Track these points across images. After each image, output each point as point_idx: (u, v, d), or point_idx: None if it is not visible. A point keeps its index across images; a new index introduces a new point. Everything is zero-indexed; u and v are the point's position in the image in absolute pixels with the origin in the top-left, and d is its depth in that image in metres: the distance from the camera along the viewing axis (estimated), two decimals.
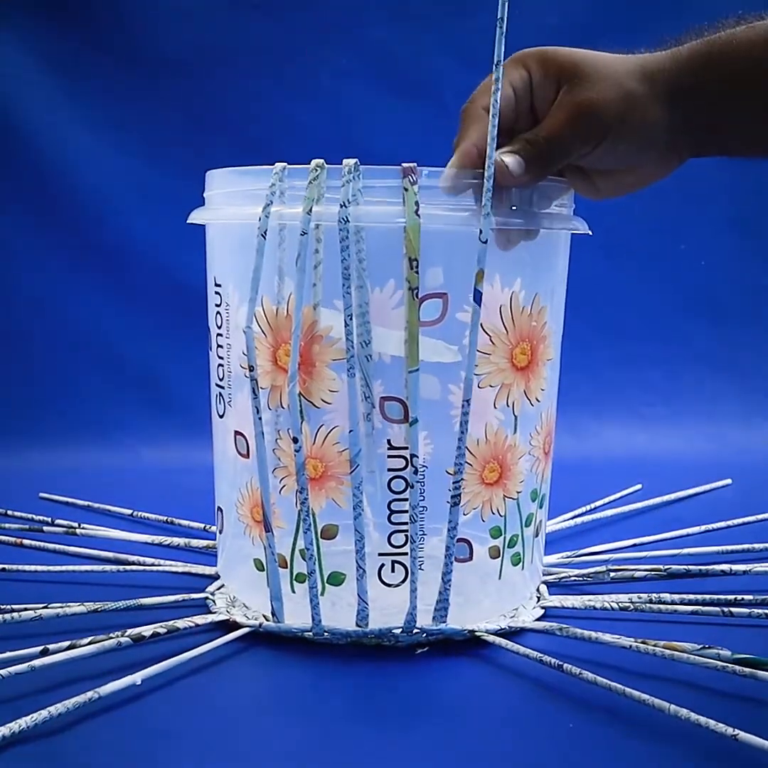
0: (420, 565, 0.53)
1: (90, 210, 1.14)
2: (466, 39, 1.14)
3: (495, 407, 0.54)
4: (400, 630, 0.54)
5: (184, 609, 0.59)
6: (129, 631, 0.53)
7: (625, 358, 1.24)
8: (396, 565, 0.54)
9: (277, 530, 0.55)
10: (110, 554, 0.71)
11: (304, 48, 1.16)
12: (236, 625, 0.56)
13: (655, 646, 0.51)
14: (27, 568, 0.67)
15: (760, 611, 0.57)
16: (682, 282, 1.25)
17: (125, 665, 0.50)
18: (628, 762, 0.43)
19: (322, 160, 0.51)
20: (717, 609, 0.58)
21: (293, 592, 0.56)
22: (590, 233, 0.58)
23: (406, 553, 0.53)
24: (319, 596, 0.54)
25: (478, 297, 0.50)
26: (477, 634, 0.55)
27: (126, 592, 0.60)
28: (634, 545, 0.73)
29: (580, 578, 0.65)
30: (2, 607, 0.57)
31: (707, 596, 0.60)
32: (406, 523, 0.53)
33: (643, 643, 0.51)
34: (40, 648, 0.51)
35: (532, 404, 0.56)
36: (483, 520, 0.56)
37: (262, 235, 0.51)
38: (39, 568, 0.67)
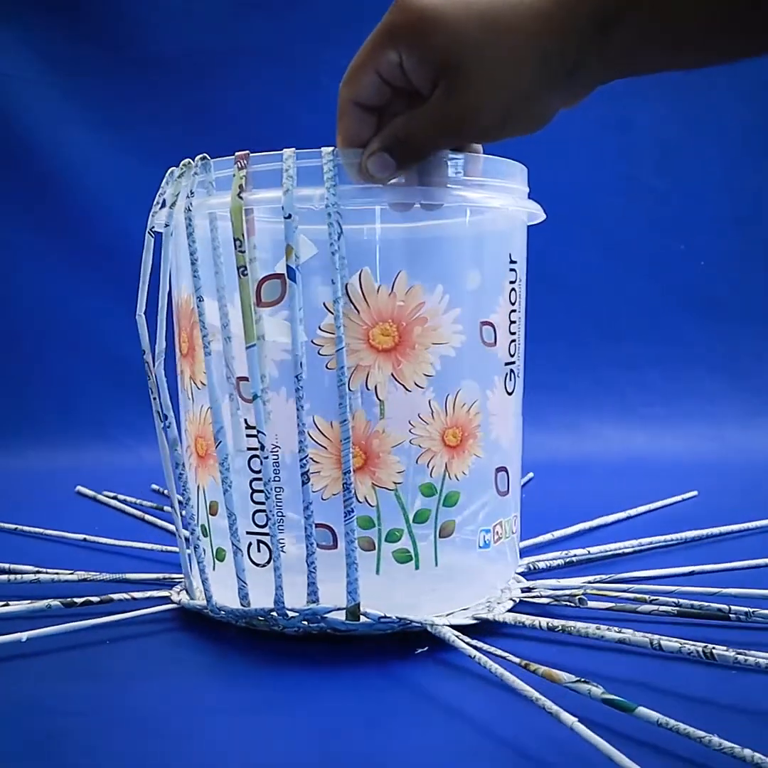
0: (281, 546, 0.53)
1: (90, 210, 1.15)
2: None
3: (350, 389, 0.52)
4: (275, 612, 0.52)
5: (164, 585, 0.62)
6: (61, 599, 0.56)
7: (624, 358, 1.24)
8: (261, 544, 0.54)
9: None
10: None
11: (305, 48, 1.16)
12: (171, 600, 0.59)
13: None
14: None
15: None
16: (682, 282, 1.25)
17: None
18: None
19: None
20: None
21: (213, 569, 0.57)
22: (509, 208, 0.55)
23: (268, 533, 0.52)
24: (211, 572, 0.55)
25: (291, 274, 0.50)
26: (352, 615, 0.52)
27: (121, 564, 0.63)
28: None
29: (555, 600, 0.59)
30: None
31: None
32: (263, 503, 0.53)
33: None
34: None
35: (408, 390, 0.54)
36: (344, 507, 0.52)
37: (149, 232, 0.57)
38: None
